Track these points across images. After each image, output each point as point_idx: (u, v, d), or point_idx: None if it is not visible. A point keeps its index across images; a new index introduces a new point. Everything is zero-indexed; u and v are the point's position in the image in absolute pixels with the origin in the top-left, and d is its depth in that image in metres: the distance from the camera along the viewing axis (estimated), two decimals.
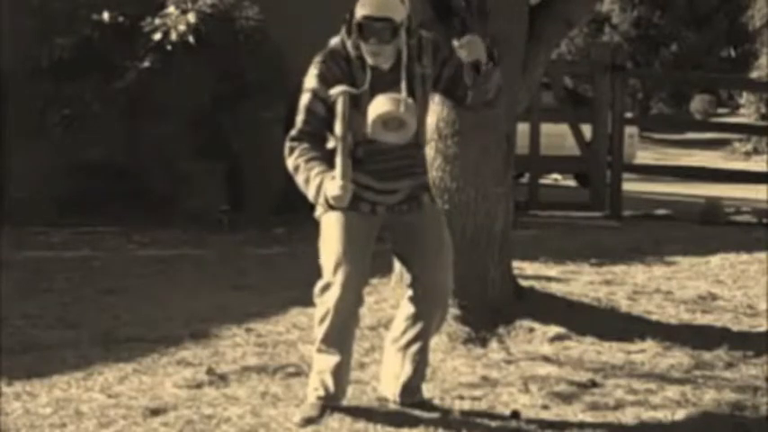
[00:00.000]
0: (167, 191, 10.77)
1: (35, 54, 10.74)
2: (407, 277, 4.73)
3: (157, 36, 10.67)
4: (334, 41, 4.57)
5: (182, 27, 10.61)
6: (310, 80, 4.53)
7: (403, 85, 4.48)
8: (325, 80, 4.49)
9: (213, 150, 11.05)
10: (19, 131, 10.86)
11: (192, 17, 10.67)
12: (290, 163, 4.55)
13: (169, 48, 10.67)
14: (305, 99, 4.54)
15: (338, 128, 4.44)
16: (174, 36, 10.63)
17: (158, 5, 10.83)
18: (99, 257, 8.81)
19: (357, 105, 4.46)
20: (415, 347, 4.72)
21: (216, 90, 10.99)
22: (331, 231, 4.57)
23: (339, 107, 4.44)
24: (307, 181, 4.49)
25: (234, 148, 11.13)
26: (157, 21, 10.71)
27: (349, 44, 4.50)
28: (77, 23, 10.92)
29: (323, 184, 4.44)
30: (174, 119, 10.86)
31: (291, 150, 4.55)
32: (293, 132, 4.57)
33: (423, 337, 4.72)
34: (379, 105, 4.41)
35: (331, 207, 4.49)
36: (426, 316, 4.69)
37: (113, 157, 10.77)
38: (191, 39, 10.63)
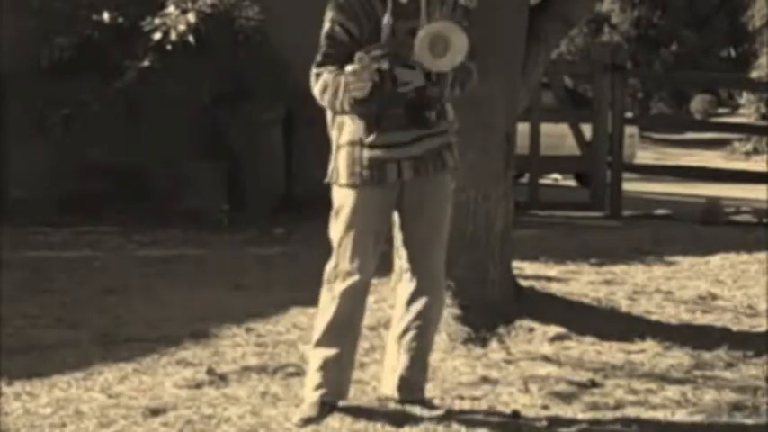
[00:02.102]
0: (167, 191, 10.78)
1: (35, 54, 10.74)
2: (405, 254, 4.70)
3: (157, 36, 10.67)
4: None
5: (182, 27, 10.62)
6: (331, 11, 4.53)
7: (423, 14, 4.47)
8: (344, 10, 4.50)
9: (213, 150, 11.06)
10: (19, 131, 10.86)
11: (191, 17, 10.67)
12: (319, 87, 4.51)
13: (169, 48, 10.67)
14: (326, 28, 4.54)
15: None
16: (173, 36, 10.64)
17: (158, 5, 10.83)
18: (99, 257, 8.81)
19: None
20: (410, 335, 4.69)
21: (216, 90, 10.99)
22: (344, 212, 4.54)
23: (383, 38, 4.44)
24: (336, 90, 4.44)
25: (234, 148, 11.13)
26: (157, 20, 10.71)
27: None
28: (77, 23, 10.93)
29: (342, 82, 4.39)
30: (174, 119, 10.87)
31: (318, 75, 4.53)
32: (318, 58, 4.55)
33: (419, 322, 4.68)
34: (429, 26, 4.37)
35: (355, 102, 4.41)
36: (421, 297, 4.66)
37: (113, 157, 10.78)
38: (191, 38, 10.64)
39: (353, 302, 4.59)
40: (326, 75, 4.49)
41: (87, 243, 9.51)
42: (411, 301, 4.70)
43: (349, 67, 4.36)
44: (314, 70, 4.55)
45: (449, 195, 4.72)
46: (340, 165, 4.58)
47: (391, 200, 4.61)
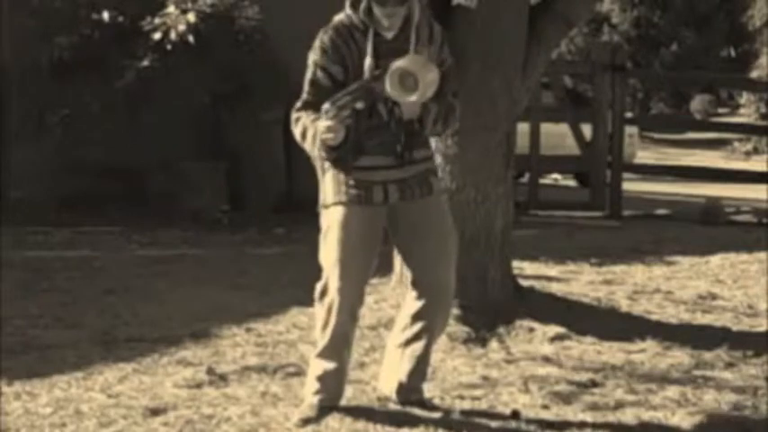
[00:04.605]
0: (167, 191, 10.78)
1: (35, 54, 10.74)
2: (409, 274, 4.72)
3: (157, 36, 10.68)
4: (338, 17, 4.58)
5: (181, 27, 10.63)
6: (314, 53, 4.56)
7: (411, 47, 4.49)
8: (326, 52, 4.52)
9: (213, 150, 11.05)
10: (19, 131, 10.86)
11: (191, 17, 10.68)
12: (298, 130, 4.55)
13: (169, 47, 10.68)
14: (309, 73, 4.57)
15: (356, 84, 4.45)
16: (173, 36, 10.64)
17: (158, 5, 10.83)
18: (99, 257, 8.81)
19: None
20: (414, 346, 4.71)
21: (216, 90, 10.99)
22: (333, 230, 4.54)
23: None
24: (314, 137, 4.47)
25: (234, 148, 11.13)
26: (157, 20, 10.72)
27: (358, 13, 4.49)
28: (77, 23, 10.93)
29: (317, 130, 4.43)
30: (173, 119, 10.86)
31: (297, 119, 4.56)
32: (298, 104, 4.59)
33: (423, 336, 4.70)
34: (402, 60, 4.40)
35: (329, 148, 4.44)
36: (427, 315, 4.68)
37: (113, 157, 10.77)
38: (190, 38, 10.64)
39: (346, 319, 4.59)
40: (305, 119, 4.53)
41: (87, 243, 9.51)
42: (417, 316, 4.70)
43: (321, 124, 4.39)
44: (294, 114, 4.60)
45: (445, 213, 4.72)
46: (327, 186, 4.60)
47: (379, 220, 4.61)
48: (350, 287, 4.53)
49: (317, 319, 4.66)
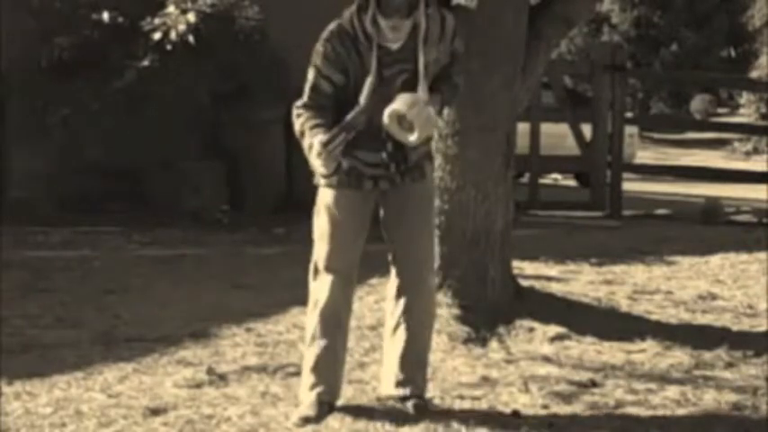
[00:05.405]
0: (167, 191, 10.78)
1: (35, 54, 10.74)
2: (390, 251, 4.76)
3: (157, 35, 10.68)
4: (345, 17, 4.56)
5: (181, 26, 10.63)
6: (317, 58, 4.56)
7: (421, 66, 4.50)
8: (329, 59, 4.52)
9: (213, 150, 11.05)
10: (19, 131, 10.86)
11: (191, 17, 10.68)
12: (297, 127, 4.59)
13: (169, 47, 10.68)
14: (311, 75, 4.58)
15: (354, 112, 4.46)
16: (173, 35, 10.64)
17: (158, 5, 10.83)
18: (99, 257, 8.81)
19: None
20: (402, 328, 4.73)
21: (216, 90, 10.99)
22: (324, 208, 4.63)
23: (363, 98, 4.48)
24: (310, 147, 4.49)
25: (233, 148, 11.13)
26: (157, 20, 10.72)
27: (365, 20, 4.48)
28: (77, 23, 10.93)
29: (312, 153, 4.46)
30: (173, 118, 10.86)
31: (299, 116, 4.58)
32: (299, 102, 4.60)
33: (407, 316, 4.71)
34: (398, 102, 4.43)
35: (324, 176, 4.53)
36: (406, 291, 4.71)
37: (113, 156, 10.78)
38: (190, 38, 10.64)
39: (337, 297, 4.62)
40: (304, 120, 4.53)
41: (87, 243, 9.51)
42: (398, 295, 4.76)
43: (314, 159, 4.43)
44: (295, 109, 4.61)
45: (431, 197, 4.81)
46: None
47: (369, 202, 4.68)
48: (340, 263, 4.60)
49: (309, 301, 4.68)
